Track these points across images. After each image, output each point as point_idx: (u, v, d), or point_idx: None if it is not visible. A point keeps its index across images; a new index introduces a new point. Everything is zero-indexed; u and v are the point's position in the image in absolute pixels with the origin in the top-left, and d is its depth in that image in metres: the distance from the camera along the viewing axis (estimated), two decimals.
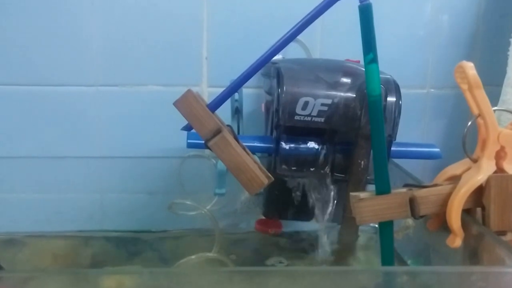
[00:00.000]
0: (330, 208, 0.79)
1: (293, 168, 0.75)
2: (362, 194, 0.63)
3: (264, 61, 0.64)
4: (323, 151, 0.75)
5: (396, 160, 0.82)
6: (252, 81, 0.87)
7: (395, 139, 0.74)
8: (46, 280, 0.52)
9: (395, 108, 0.72)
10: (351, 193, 0.64)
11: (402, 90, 0.73)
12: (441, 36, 0.97)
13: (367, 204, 0.63)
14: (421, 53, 0.98)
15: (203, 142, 0.64)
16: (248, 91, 0.92)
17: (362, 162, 0.73)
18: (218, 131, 0.63)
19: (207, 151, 0.84)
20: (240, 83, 0.65)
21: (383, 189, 0.63)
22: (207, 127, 0.63)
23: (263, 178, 0.63)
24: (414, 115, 0.98)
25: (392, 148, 0.76)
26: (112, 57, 0.92)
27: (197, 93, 0.63)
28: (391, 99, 0.72)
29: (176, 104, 0.62)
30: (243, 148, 0.64)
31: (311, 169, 0.75)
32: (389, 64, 0.70)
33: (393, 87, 0.73)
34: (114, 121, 0.94)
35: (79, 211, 0.96)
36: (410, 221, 0.77)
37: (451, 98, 0.99)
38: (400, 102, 0.73)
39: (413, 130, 0.99)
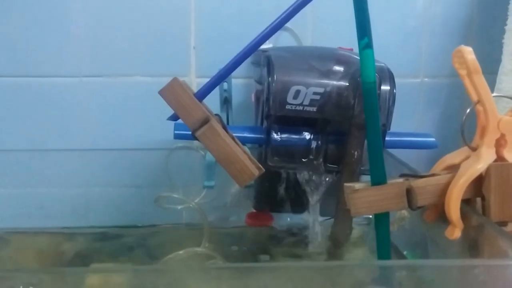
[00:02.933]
0: (322, 201, 0.77)
1: (284, 159, 0.74)
2: (357, 185, 0.61)
3: (253, 48, 0.62)
4: (315, 142, 0.73)
5: (390, 150, 0.79)
6: (241, 70, 0.86)
7: (389, 129, 0.73)
8: (28, 279, 0.49)
9: (389, 97, 0.71)
10: (345, 184, 0.62)
11: (396, 80, 0.71)
12: (434, 24, 0.96)
13: (362, 195, 0.60)
14: (414, 42, 0.96)
15: (191, 132, 0.61)
16: (237, 81, 0.91)
17: (356, 153, 0.71)
18: (205, 121, 0.60)
19: (195, 143, 0.82)
20: (228, 71, 0.62)
21: (378, 179, 0.61)
22: (194, 116, 0.60)
23: (254, 169, 0.61)
24: (407, 105, 0.97)
25: (386, 138, 0.74)
26: (97, 47, 0.90)
27: (183, 81, 0.61)
28: (385, 87, 0.71)
29: (162, 92, 0.60)
30: (232, 138, 0.62)
31: (303, 160, 0.74)
32: (382, 53, 0.68)
33: (387, 76, 0.71)
34: (99, 112, 0.92)
35: (62, 206, 0.94)
36: (405, 213, 0.75)
37: (445, 87, 0.98)
38: (395, 90, 0.71)
39: (407, 119, 0.98)
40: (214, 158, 0.62)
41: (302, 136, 0.74)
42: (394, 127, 0.73)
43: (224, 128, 0.62)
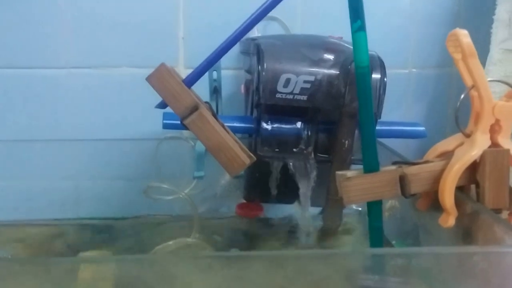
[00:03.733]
0: (313, 190, 0.76)
1: (274, 149, 0.73)
2: (349, 173, 0.61)
3: (242, 33, 0.61)
4: (306, 131, 0.72)
5: (380, 140, 0.78)
6: (231, 62, 0.85)
7: (379, 118, 0.72)
8: (18, 270, 0.48)
9: (380, 85, 0.70)
10: (337, 172, 0.61)
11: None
12: (423, 15, 0.95)
13: (355, 183, 0.60)
14: (402, 33, 0.96)
15: (179, 122, 0.60)
16: (227, 72, 0.89)
17: (347, 142, 0.71)
18: (195, 108, 0.59)
19: (185, 132, 0.81)
20: (217, 57, 0.61)
21: (371, 166, 0.60)
22: (183, 104, 0.59)
23: (245, 158, 0.60)
24: (396, 96, 0.96)
25: (377, 127, 0.71)
26: (85, 38, 0.89)
27: (171, 67, 0.59)
28: (376, 76, 0.70)
29: (149, 79, 0.59)
30: (223, 126, 0.61)
31: (294, 150, 0.73)
32: (370, 44, 0.67)
33: (378, 64, 0.71)
34: (87, 104, 0.90)
35: (50, 198, 0.93)
36: (395, 202, 0.74)
37: (433, 78, 0.97)
38: (385, 79, 0.70)
39: (395, 110, 0.97)
40: (204, 147, 0.60)
41: (293, 126, 0.73)
42: (383, 117, 0.73)
43: (214, 116, 0.61)
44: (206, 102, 0.62)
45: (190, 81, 0.60)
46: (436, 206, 0.61)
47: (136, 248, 0.84)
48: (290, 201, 0.81)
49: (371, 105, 0.60)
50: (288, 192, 0.78)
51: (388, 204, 0.75)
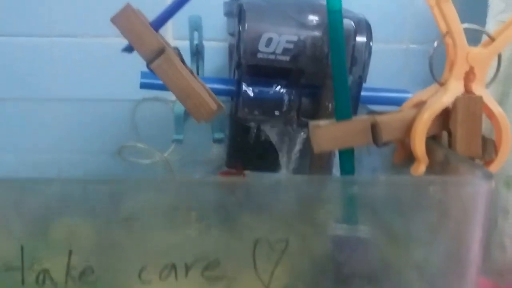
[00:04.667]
0: (297, 158, 0.75)
1: (256, 111, 0.71)
2: (321, 122, 0.59)
3: None
4: (289, 94, 0.71)
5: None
6: (215, 33, 0.84)
7: (365, 82, 0.71)
8: None
9: (365, 49, 0.69)
10: (310, 122, 0.60)
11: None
12: None
13: (326, 130, 0.59)
14: (399, 6, 0.94)
15: (158, 82, 0.59)
16: (211, 44, 0.87)
17: (330, 105, 0.69)
18: (161, 51, 0.58)
19: (164, 93, 0.79)
20: None
21: (343, 115, 0.59)
22: (149, 47, 0.58)
23: (212, 104, 0.59)
24: (392, 72, 0.94)
25: (362, 93, 0.73)
26: (70, 6, 0.87)
27: (138, 9, 0.58)
28: (361, 39, 0.69)
29: (114, 19, 0.58)
30: (191, 72, 0.60)
31: (276, 113, 0.71)
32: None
33: (364, 27, 0.70)
34: (71, 74, 0.89)
35: (21, 157, 0.91)
36: None
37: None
38: (371, 43, 0.69)
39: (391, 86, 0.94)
40: (183, 109, 0.62)
41: (275, 88, 0.71)
42: None
43: (182, 61, 0.60)
44: (175, 49, 0.61)
45: (158, 23, 0.59)
46: (411, 158, 0.60)
47: (110, 212, 0.82)
48: (273, 169, 0.78)
49: (343, 50, 0.59)
50: (272, 159, 0.77)
51: None
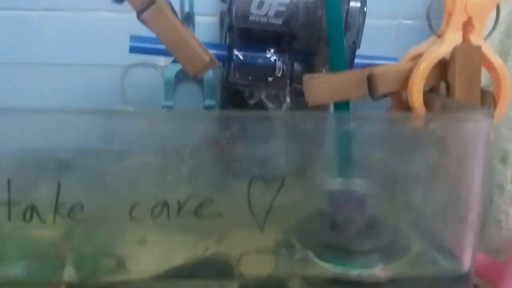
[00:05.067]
0: None
1: (248, 77, 0.70)
2: (316, 74, 0.58)
3: None
4: (281, 59, 0.70)
5: None
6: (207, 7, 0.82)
7: (359, 47, 0.70)
8: None
9: (359, 14, 0.68)
10: (305, 75, 0.58)
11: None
12: None
13: (320, 82, 0.57)
14: None
15: (148, 46, 0.61)
16: (202, 19, 0.85)
17: (324, 70, 0.68)
18: (152, 1, 0.56)
19: (154, 59, 0.78)
20: None
21: (338, 66, 0.58)
22: None
23: (205, 56, 0.58)
24: (384, 49, 0.92)
25: (356, 60, 0.71)
26: None
27: None
28: (355, 4, 0.68)
29: None
30: (183, 24, 0.58)
31: (268, 79, 0.70)
32: None
33: None
34: (58, 48, 0.87)
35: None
36: None
37: (425, 30, 0.92)
38: (365, 8, 0.69)
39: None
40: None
41: (267, 53, 0.70)
42: None
43: (174, 13, 0.58)
44: (166, 0, 0.59)
45: None
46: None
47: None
48: None
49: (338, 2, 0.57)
50: None
51: None
